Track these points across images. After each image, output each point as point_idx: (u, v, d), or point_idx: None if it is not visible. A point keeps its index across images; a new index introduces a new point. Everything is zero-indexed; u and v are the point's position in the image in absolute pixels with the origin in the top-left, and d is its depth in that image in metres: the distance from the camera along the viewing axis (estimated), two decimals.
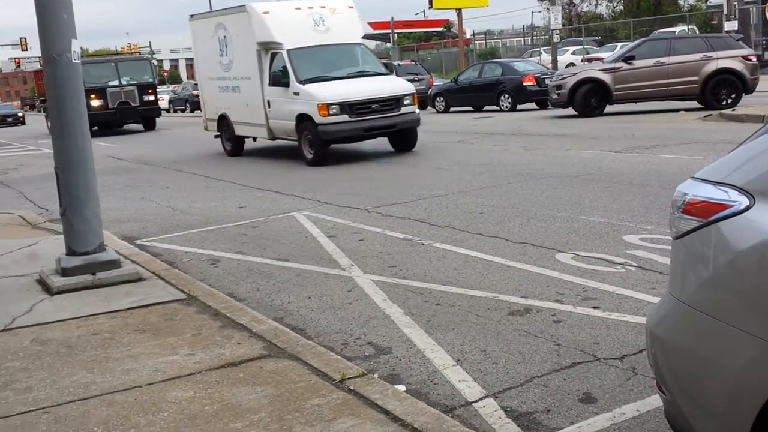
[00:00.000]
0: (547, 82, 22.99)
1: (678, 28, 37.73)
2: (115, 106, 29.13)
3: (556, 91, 20.69)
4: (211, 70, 17.90)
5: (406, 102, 14.70)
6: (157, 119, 31.97)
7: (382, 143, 16.08)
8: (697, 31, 36.07)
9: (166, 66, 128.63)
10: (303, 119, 14.45)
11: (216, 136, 18.38)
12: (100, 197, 6.66)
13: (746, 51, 19.55)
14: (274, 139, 16.02)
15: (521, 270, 6.29)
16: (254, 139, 17.51)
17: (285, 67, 14.80)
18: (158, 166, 16.64)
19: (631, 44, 22.04)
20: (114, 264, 6.37)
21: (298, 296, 6.08)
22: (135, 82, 29.77)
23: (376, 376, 4.28)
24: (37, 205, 12.00)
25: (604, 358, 4.39)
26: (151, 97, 30.53)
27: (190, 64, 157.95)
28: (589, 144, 14.12)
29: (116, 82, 29.44)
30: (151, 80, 30.98)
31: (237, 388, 4.06)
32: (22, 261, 7.29)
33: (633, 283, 5.71)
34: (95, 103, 27.90)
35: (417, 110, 15.11)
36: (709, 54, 18.59)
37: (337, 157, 15.43)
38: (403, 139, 15.40)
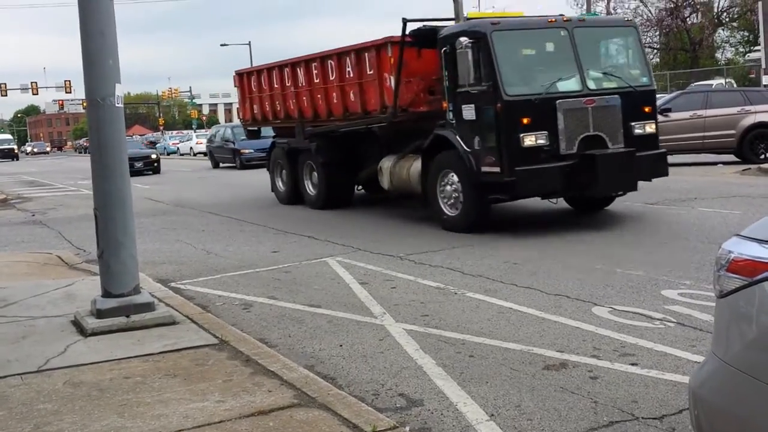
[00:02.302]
0: None
1: (715, 82, 37.53)
2: (574, 149, 10.40)
3: None
4: None
5: None
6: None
7: None
8: (735, 85, 35.84)
9: (205, 110, 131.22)
10: None
11: None
12: (137, 239, 6.72)
13: None
14: None
15: (556, 323, 6.18)
16: None
17: None
18: (194, 209, 16.82)
19: (667, 96, 21.89)
20: (148, 307, 6.40)
21: (329, 344, 6.04)
22: (618, 86, 11.04)
23: (407, 429, 4.20)
24: (75, 245, 12.16)
25: (642, 418, 4.26)
26: (650, 127, 11.36)
27: (228, 109, 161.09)
28: (624, 196, 13.97)
29: (577, 86, 10.67)
30: (647, 82, 11.58)
31: None
32: (58, 301, 7.36)
33: (672, 339, 5.58)
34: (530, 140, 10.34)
35: None
36: (746, 108, 18.43)
37: (370, 206, 15.48)
38: None
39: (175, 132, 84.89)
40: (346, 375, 5.30)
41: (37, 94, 74.72)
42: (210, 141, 37.79)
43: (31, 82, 72.64)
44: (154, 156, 34.51)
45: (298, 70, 15.23)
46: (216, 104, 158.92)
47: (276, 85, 16.21)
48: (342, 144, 14.56)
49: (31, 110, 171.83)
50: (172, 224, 14.31)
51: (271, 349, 5.74)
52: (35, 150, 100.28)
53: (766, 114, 18.36)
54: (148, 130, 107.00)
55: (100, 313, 6.24)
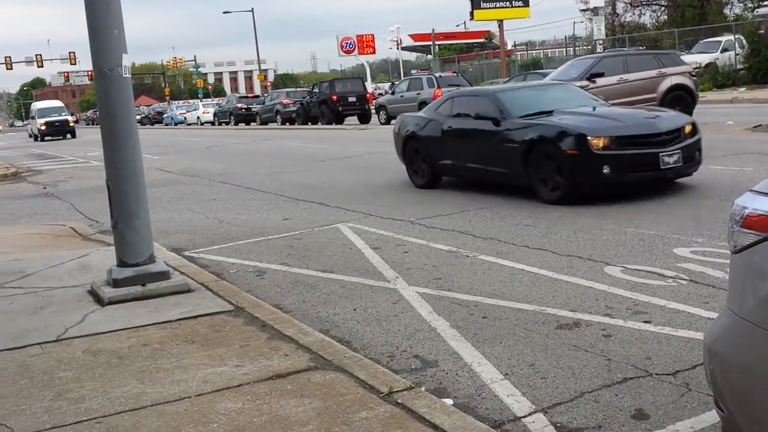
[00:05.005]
0: None
1: (724, 38, 37.05)
2: None
3: None
4: None
5: None
6: None
7: None
8: (744, 41, 35.26)
9: (210, 79, 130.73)
10: None
11: None
12: (149, 209, 6.75)
13: (689, 67, 19.46)
14: None
15: (569, 283, 6.21)
16: None
17: None
18: (204, 179, 16.86)
19: (590, 61, 19.09)
20: (164, 275, 6.46)
21: (343, 308, 6.09)
22: None
23: (423, 389, 4.26)
24: (88, 216, 12.24)
25: (656, 374, 4.30)
26: None
27: (233, 78, 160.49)
28: None
29: None
30: None
31: (285, 399, 4.08)
32: (74, 272, 7.44)
33: (685, 297, 5.60)
34: None
35: None
36: (662, 71, 18.01)
37: (381, 172, 15.48)
38: None
39: (181, 102, 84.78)
40: (361, 338, 5.36)
41: (42, 66, 74.40)
42: None
43: (36, 55, 72.45)
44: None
45: None
46: (221, 73, 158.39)
47: None
48: None
49: (37, 83, 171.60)
50: (183, 194, 14.36)
51: (286, 314, 5.80)
52: (28, 124, 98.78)
53: (678, 77, 18.13)
54: (154, 100, 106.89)
55: (116, 283, 6.31)
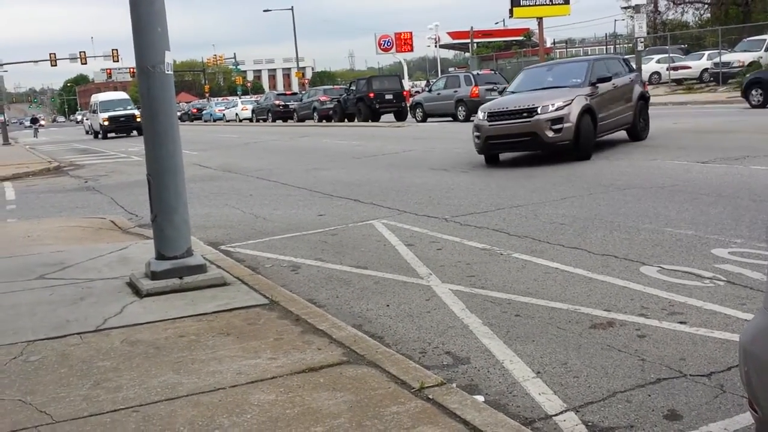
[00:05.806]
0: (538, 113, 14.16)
1: None
2: None
3: (552, 127, 13.98)
4: None
5: None
6: None
7: (460, 155, 15.93)
8: None
9: (249, 77, 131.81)
10: None
11: None
12: (188, 204, 6.85)
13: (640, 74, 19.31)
14: None
15: (604, 282, 6.17)
16: None
17: None
18: (242, 175, 17.03)
19: (585, 66, 16.11)
20: (201, 269, 6.56)
21: (376, 304, 6.12)
22: None
23: (454, 385, 4.27)
24: (127, 210, 12.46)
25: (690, 375, 4.26)
26: None
27: (272, 75, 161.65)
28: (675, 154, 13.75)
29: None
30: None
31: (317, 392, 4.12)
32: (113, 264, 7.59)
33: (722, 298, 5.53)
34: None
35: None
36: (630, 77, 16.87)
37: (416, 169, 15.48)
38: None
39: (220, 98, 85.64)
40: (393, 334, 5.38)
41: (85, 63, 75.29)
42: None
43: (80, 52, 73.46)
44: None
45: None
46: (260, 70, 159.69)
47: None
48: None
49: (81, 79, 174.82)
50: (220, 189, 14.53)
51: (319, 309, 5.85)
52: (86, 119, 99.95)
53: (639, 85, 17.24)
54: (194, 97, 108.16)
55: (154, 275, 6.43)
